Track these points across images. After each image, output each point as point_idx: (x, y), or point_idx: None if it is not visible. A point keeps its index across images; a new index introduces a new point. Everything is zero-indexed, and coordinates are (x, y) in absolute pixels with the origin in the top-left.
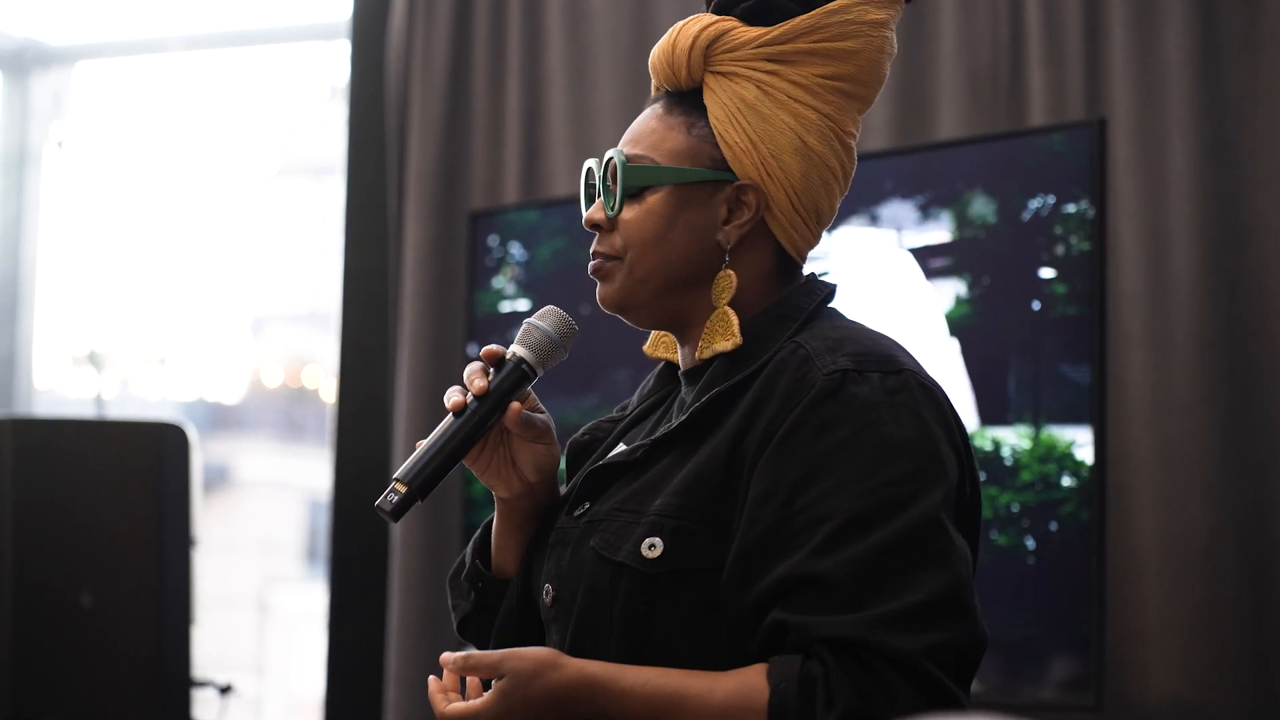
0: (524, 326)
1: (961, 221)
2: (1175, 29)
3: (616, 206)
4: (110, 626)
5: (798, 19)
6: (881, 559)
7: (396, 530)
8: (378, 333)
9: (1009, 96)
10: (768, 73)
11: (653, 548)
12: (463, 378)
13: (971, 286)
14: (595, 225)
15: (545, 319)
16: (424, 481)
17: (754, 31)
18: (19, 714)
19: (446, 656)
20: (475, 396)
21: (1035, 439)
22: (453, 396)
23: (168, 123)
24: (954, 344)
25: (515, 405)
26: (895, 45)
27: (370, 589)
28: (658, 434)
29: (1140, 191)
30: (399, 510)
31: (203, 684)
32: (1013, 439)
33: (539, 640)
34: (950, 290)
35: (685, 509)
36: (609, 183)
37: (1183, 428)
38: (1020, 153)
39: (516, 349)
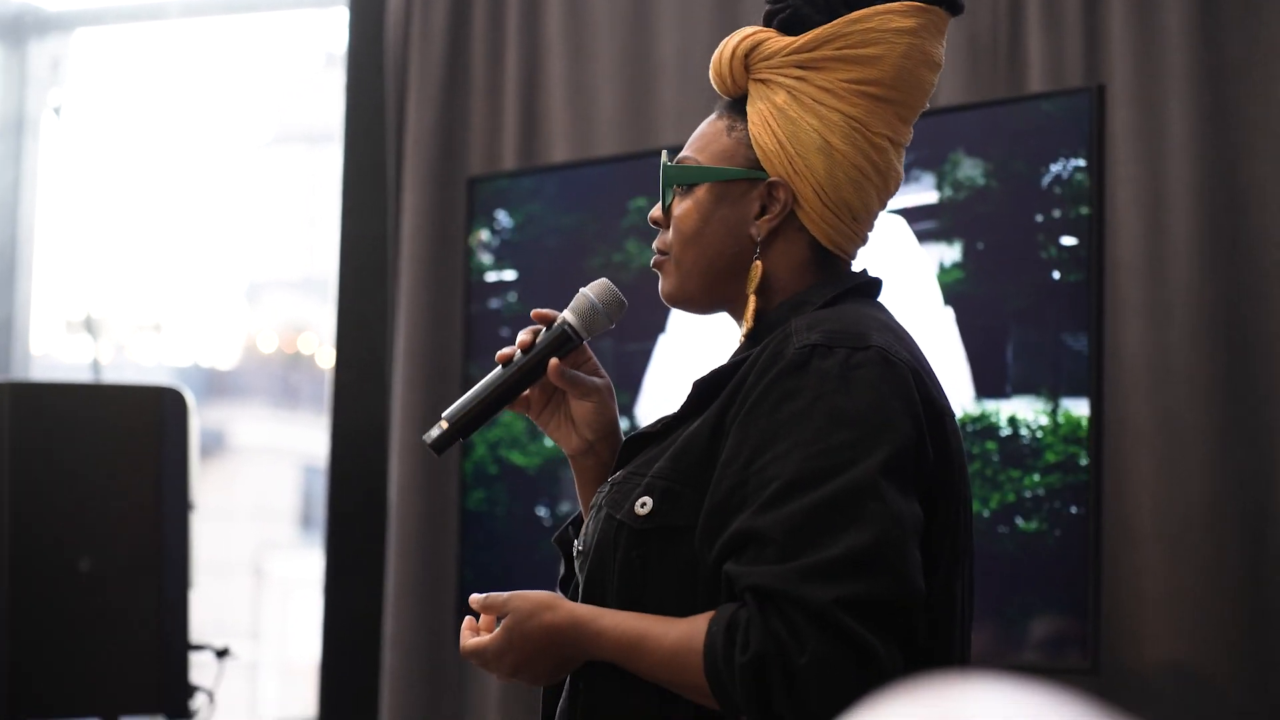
0: (577, 294)
1: (959, 188)
2: None
3: (664, 204)
4: (109, 591)
5: (821, 28)
6: (811, 517)
7: (393, 496)
8: (376, 299)
9: (1008, 63)
10: (796, 78)
11: (644, 506)
12: (462, 342)
13: (967, 253)
14: (655, 222)
15: (593, 289)
16: (466, 423)
17: (785, 40)
18: (17, 676)
19: (475, 597)
20: (520, 350)
21: (1053, 415)
22: (503, 350)
23: (165, 90)
24: (949, 312)
25: (554, 361)
26: (936, 54)
27: (367, 554)
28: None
29: (1138, 158)
30: (440, 444)
31: (200, 648)
32: (1029, 415)
33: None
34: (945, 257)
35: (674, 472)
36: (661, 183)
37: (1180, 395)
38: (1018, 119)
39: (565, 313)
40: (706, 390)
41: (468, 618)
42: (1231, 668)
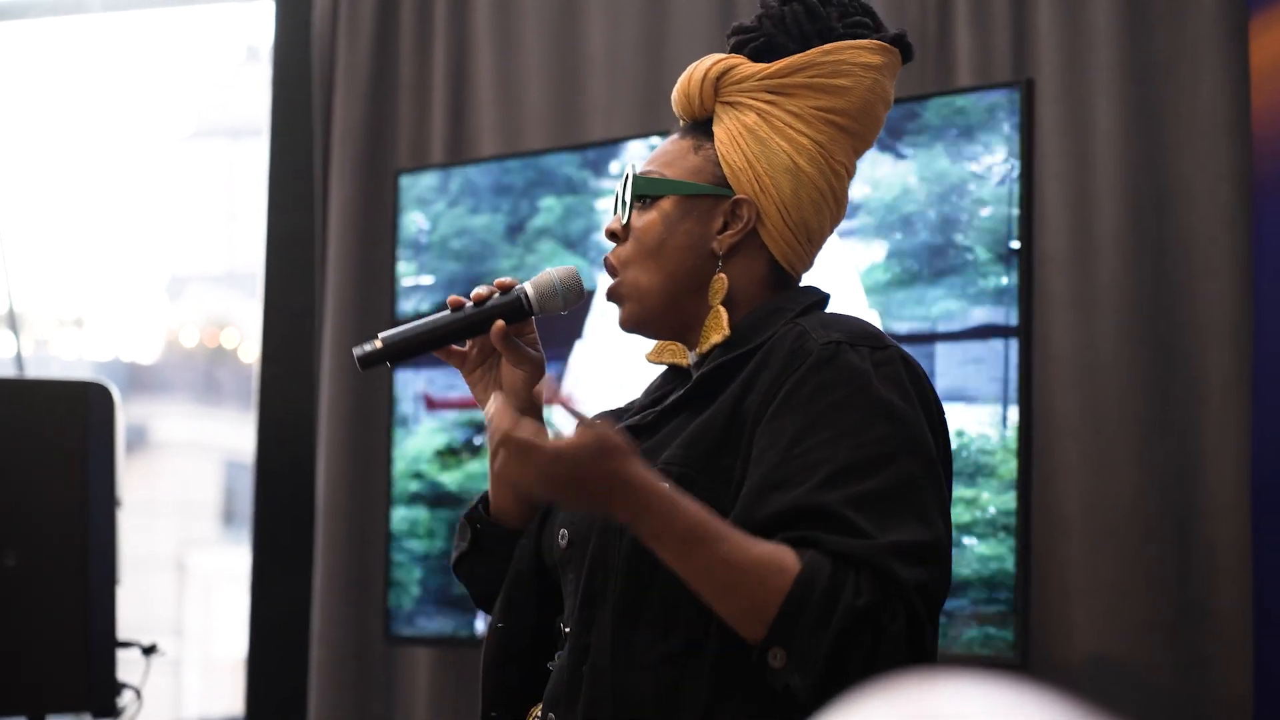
0: (543, 271)
1: (884, 184)
2: None
3: (626, 216)
4: (35, 587)
5: (795, 56)
6: (876, 501)
7: (321, 492)
8: (303, 294)
9: (936, 59)
10: (768, 102)
11: None
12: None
13: (891, 252)
14: (612, 235)
15: (560, 270)
16: (397, 349)
17: (757, 66)
18: None
19: (549, 379)
20: (473, 302)
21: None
22: (455, 296)
23: (87, 84)
24: (874, 314)
25: (500, 322)
26: (890, 94)
27: (294, 551)
28: (666, 402)
29: (1065, 153)
30: (366, 360)
31: (127, 645)
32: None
33: (550, 603)
34: (870, 254)
35: (688, 459)
36: (624, 196)
37: (1107, 389)
38: (946, 114)
39: (525, 284)
40: (713, 382)
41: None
42: (1159, 659)
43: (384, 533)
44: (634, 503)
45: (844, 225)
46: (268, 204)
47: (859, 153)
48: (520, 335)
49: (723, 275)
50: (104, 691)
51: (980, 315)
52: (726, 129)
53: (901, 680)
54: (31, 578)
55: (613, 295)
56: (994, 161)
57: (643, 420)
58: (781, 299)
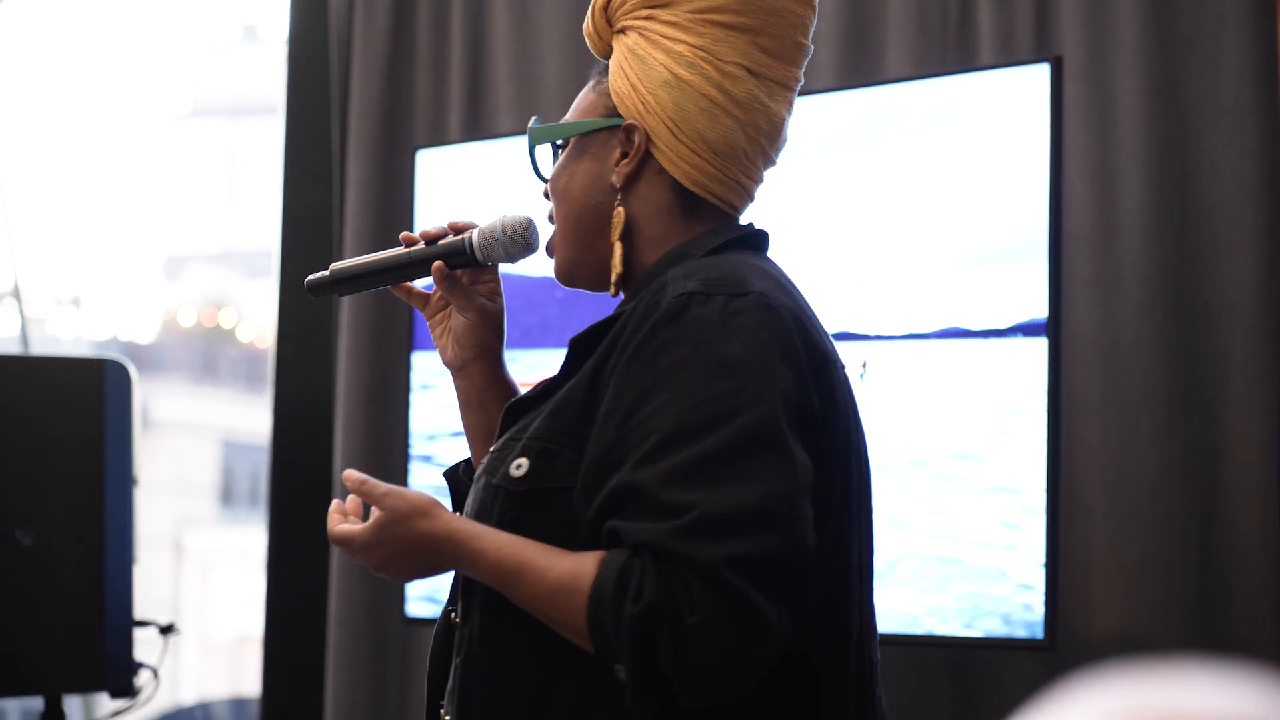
0: (497, 216)
1: (909, 162)
2: None
3: (534, 169)
4: (51, 566)
5: None
6: (695, 471)
7: (338, 471)
8: (319, 272)
9: (958, 37)
10: (645, 18)
11: (519, 467)
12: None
13: (920, 228)
14: (546, 195)
15: (508, 219)
16: (345, 280)
17: None
18: None
19: (351, 474)
20: (423, 241)
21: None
22: (407, 233)
23: (85, 63)
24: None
25: (439, 263)
26: None
27: (311, 531)
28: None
29: (1088, 131)
30: (314, 287)
31: (144, 624)
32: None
33: None
34: (899, 233)
35: (551, 431)
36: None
37: (1130, 367)
38: (972, 91)
39: (474, 229)
40: (582, 347)
41: (335, 500)
42: (1182, 640)
43: None
44: (447, 556)
45: (872, 204)
46: (284, 181)
47: (771, 52)
48: (477, 282)
49: (620, 209)
50: (120, 671)
51: (1006, 297)
52: (615, 59)
53: (1120, 675)
54: (48, 556)
55: (549, 250)
56: (1020, 139)
57: (534, 391)
58: (691, 242)
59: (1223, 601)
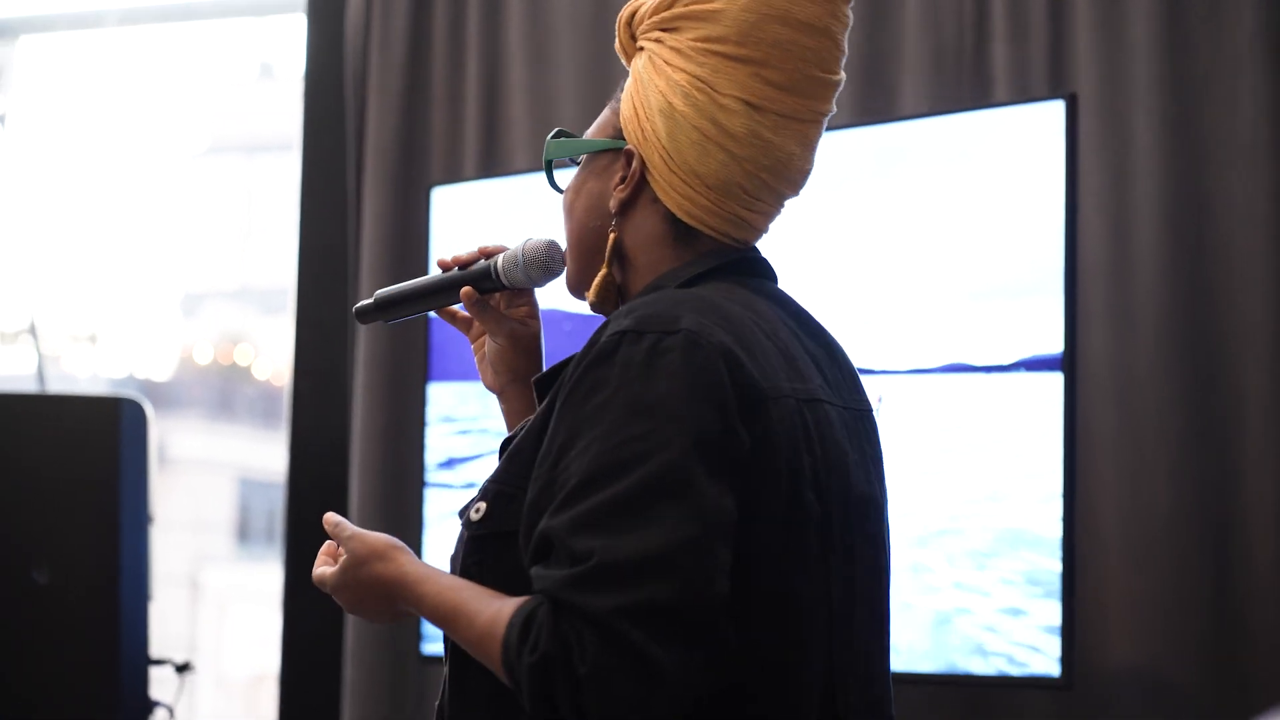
0: (524, 238)
1: (925, 198)
2: (1140, 5)
3: (550, 182)
4: (67, 604)
5: None
6: (599, 518)
7: (354, 508)
8: (335, 308)
9: (973, 74)
10: (655, 41)
11: (478, 511)
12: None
13: (936, 263)
14: None
15: (531, 243)
16: (388, 305)
17: (652, 3)
18: None
19: (330, 517)
20: (456, 266)
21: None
22: (443, 257)
23: (104, 98)
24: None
25: (467, 288)
26: (800, 12)
27: None
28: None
29: (1104, 168)
30: (362, 313)
31: (160, 662)
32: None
33: None
34: (914, 268)
35: (507, 474)
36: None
37: (1146, 404)
38: (987, 128)
39: (502, 253)
40: (543, 386)
41: (327, 542)
42: (1198, 676)
43: (417, 549)
44: (400, 599)
45: (886, 239)
46: (300, 218)
47: (775, 85)
48: (511, 306)
49: (613, 233)
50: (136, 710)
51: (1022, 332)
52: (629, 77)
53: None
54: (64, 594)
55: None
56: (1035, 176)
57: (516, 431)
58: (671, 273)
59: (1240, 636)
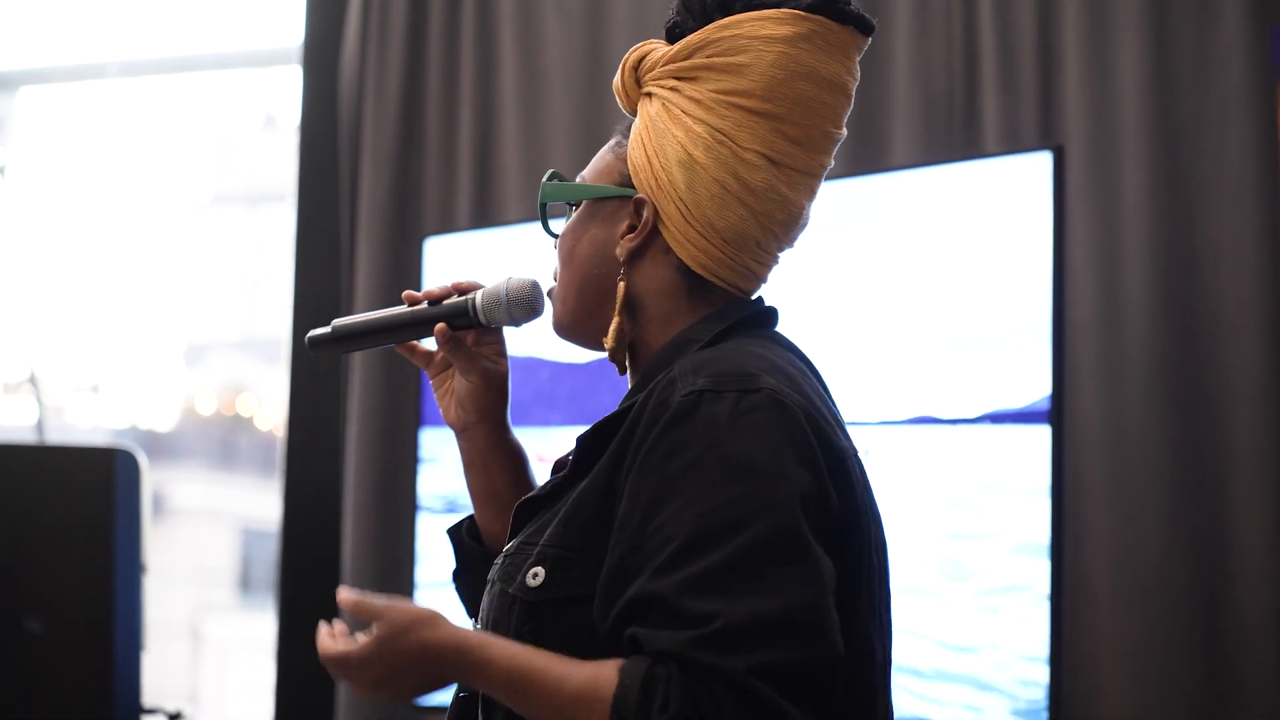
0: (504, 278)
1: (915, 248)
2: (1129, 56)
3: (544, 225)
4: (60, 653)
5: (692, 35)
6: (713, 581)
7: (347, 557)
8: (329, 360)
9: (963, 125)
10: (671, 89)
11: (535, 576)
12: (415, 402)
13: (924, 313)
14: (554, 248)
15: (513, 283)
16: (346, 338)
17: (666, 49)
18: None
19: (346, 595)
20: (427, 302)
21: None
22: (411, 292)
23: (105, 149)
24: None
25: (442, 325)
26: (824, 69)
27: (319, 618)
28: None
29: (1093, 219)
30: (314, 342)
31: (151, 712)
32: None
33: None
34: (902, 318)
35: (566, 538)
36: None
37: (1135, 453)
38: (976, 179)
39: (480, 291)
40: (591, 445)
41: (323, 623)
42: None
43: (410, 599)
44: (452, 665)
45: (874, 289)
46: (294, 269)
47: (795, 141)
48: (480, 344)
49: (622, 283)
50: None
51: (1009, 384)
52: (637, 124)
53: None
54: (57, 644)
55: (549, 295)
56: (1024, 227)
57: (544, 490)
58: (696, 326)
59: (1230, 689)
